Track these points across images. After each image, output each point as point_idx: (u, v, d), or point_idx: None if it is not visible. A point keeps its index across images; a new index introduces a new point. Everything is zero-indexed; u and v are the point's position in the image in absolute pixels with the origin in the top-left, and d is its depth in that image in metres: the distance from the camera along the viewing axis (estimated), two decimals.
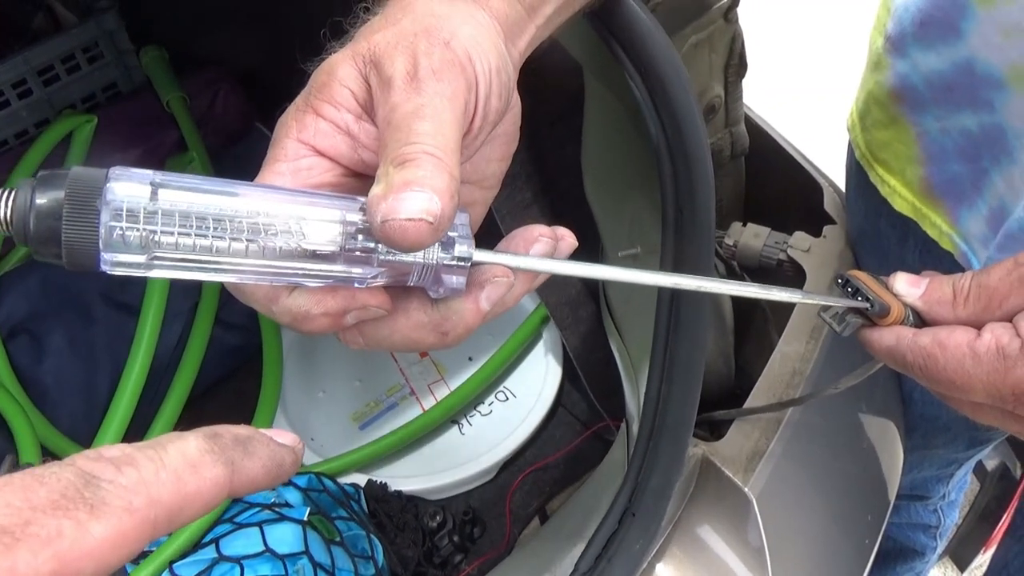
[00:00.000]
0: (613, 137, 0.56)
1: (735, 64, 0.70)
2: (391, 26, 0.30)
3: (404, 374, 0.90)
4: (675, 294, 0.43)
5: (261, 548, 0.62)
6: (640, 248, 0.55)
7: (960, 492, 0.95)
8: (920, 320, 0.37)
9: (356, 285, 0.29)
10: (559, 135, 0.67)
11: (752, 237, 0.69)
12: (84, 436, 0.76)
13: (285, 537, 0.63)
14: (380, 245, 0.28)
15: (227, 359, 0.89)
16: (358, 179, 0.31)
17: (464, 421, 0.86)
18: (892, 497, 0.67)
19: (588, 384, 0.77)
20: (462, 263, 0.29)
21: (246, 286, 0.29)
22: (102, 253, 0.25)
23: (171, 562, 0.61)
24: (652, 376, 0.46)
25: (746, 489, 0.53)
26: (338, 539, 0.68)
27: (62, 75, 0.95)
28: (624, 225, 0.58)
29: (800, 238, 0.68)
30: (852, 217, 0.68)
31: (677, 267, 0.42)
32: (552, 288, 0.73)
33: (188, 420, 0.81)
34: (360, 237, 0.28)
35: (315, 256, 0.28)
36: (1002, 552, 0.69)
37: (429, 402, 0.86)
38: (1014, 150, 0.47)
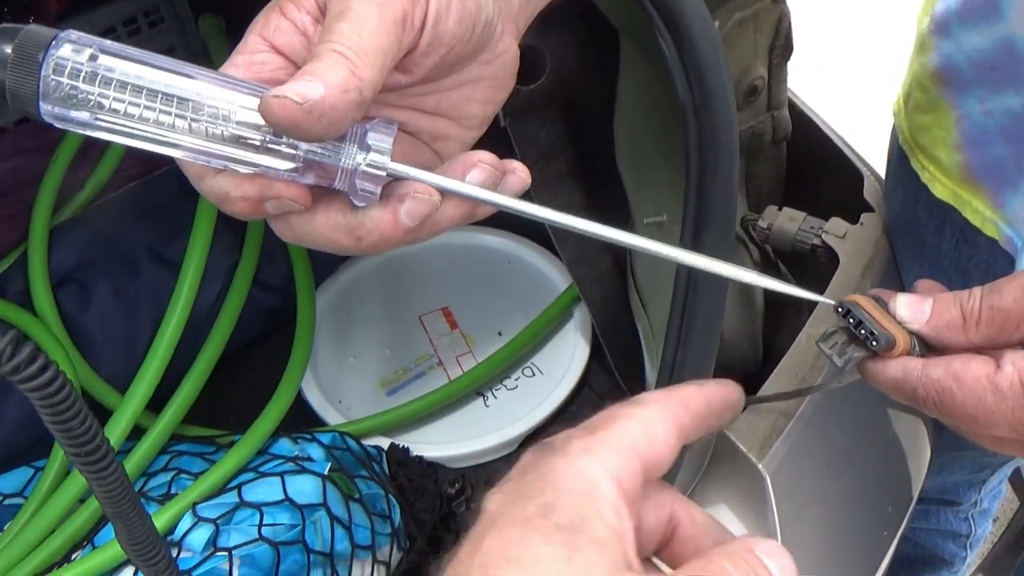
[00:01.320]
0: (646, 102, 0.56)
1: (780, 45, 0.69)
2: None
3: (433, 345, 0.91)
4: (692, 270, 0.43)
5: (281, 497, 0.64)
6: (666, 216, 0.55)
7: (994, 501, 0.93)
8: (925, 345, 0.35)
9: (282, 177, 0.31)
10: (598, 109, 0.67)
11: (787, 221, 0.68)
12: (122, 383, 0.78)
13: (305, 489, 0.65)
14: (304, 143, 0.30)
15: (264, 319, 0.91)
16: None
17: (489, 393, 0.87)
18: (916, 492, 0.65)
19: (613, 362, 0.77)
20: (374, 170, 0.31)
21: (182, 159, 0.31)
22: (41, 103, 0.28)
23: (195, 503, 0.63)
24: (668, 342, 0.46)
25: (760, 466, 0.52)
26: (357, 496, 0.69)
27: (123, 38, 0.99)
28: (652, 193, 0.58)
29: (836, 224, 0.67)
30: (890, 205, 0.67)
31: (698, 231, 0.42)
32: (581, 264, 0.73)
33: (224, 375, 0.83)
34: None
35: (240, 142, 0.30)
36: None
37: (456, 373, 0.87)
38: None
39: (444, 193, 0.32)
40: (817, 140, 0.75)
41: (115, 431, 0.70)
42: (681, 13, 0.38)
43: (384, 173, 0.31)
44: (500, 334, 0.91)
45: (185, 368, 0.80)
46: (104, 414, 0.73)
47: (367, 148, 0.31)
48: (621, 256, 0.74)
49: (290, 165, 0.30)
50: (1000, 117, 0.49)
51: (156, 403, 0.74)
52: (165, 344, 0.77)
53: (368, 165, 0.31)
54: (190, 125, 0.29)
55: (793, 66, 0.72)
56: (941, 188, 0.56)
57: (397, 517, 0.71)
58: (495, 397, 0.86)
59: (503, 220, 1.00)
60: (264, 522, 0.62)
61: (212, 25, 1.02)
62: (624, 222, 0.68)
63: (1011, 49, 0.46)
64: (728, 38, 0.63)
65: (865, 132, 0.85)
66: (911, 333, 0.34)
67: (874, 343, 0.34)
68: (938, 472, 0.78)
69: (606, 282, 0.74)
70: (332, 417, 0.83)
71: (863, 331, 0.34)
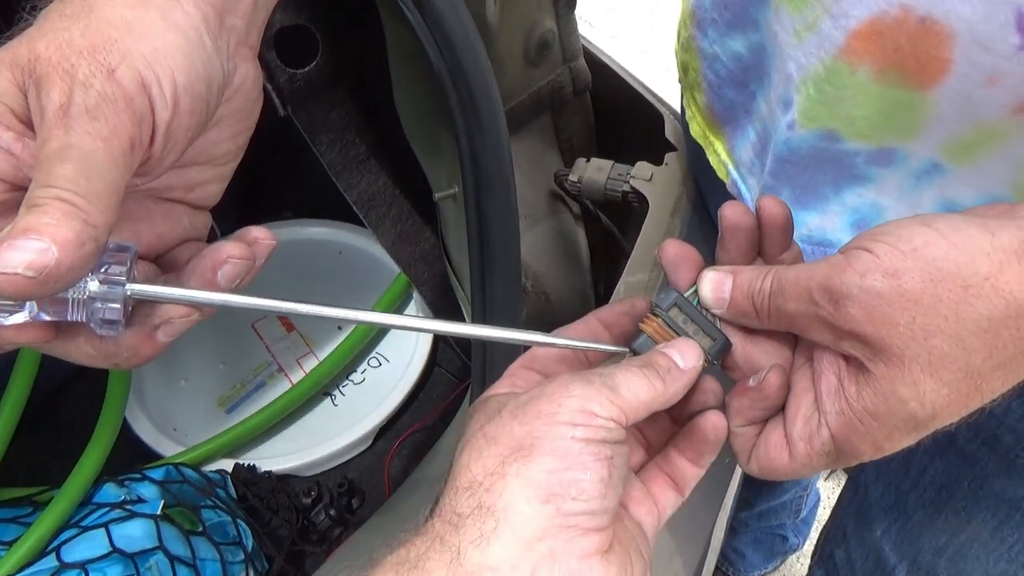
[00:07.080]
0: (416, 72, 0.53)
1: None
2: (61, 31, 0.26)
3: (271, 351, 0.87)
4: (483, 236, 0.41)
5: (107, 549, 0.58)
6: (458, 188, 0.53)
7: None
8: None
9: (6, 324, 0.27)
10: (390, 84, 0.64)
11: (595, 171, 0.68)
12: None
13: (134, 534, 0.60)
14: None
15: None
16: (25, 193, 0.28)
17: (336, 392, 0.83)
18: None
19: (453, 339, 0.75)
20: (110, 304, 0.28)
21: None
22: None
23: None
24: (475, 320, 0.45)
25: None
26: (200, 529, 0.64)
27: None
28: (442, 164, 0.56)
29: (642, 168, 0.67)
30: (687, 142, 0.68)
31: (480, 201, 0.41)
32: (402, 245, 0.70)
33: (40, 422, 0.77)
34: None
35: None
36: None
37: (298, 377, 0.83)
38: (771, 69, 0.45)
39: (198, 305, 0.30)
40: (618, 87, 0.75)
41: None
42: None
43: (119, 306, 0.28)
44: (340, 328, 0.88)
45: None
46: None
47: (98, 281, 0.28)
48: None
49: (17, 320, 0.27)
50: (728, 61, 0.49)
51: None
52: None
53: (101, 301, 0.27)
54: None
55: (587, 15, 0.71)
56: (696, 128, 0.56)
57: (249, 541, 0.67)
58: (343, 395, 0.83)
59: (328, 210, 0.96)
60: None
61: None
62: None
63: None
64: None
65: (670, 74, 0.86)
66: (706, 352, 0.35)
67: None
68: None
69: (431, 259, 0.72)
70: (168, 448, 0.77)
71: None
